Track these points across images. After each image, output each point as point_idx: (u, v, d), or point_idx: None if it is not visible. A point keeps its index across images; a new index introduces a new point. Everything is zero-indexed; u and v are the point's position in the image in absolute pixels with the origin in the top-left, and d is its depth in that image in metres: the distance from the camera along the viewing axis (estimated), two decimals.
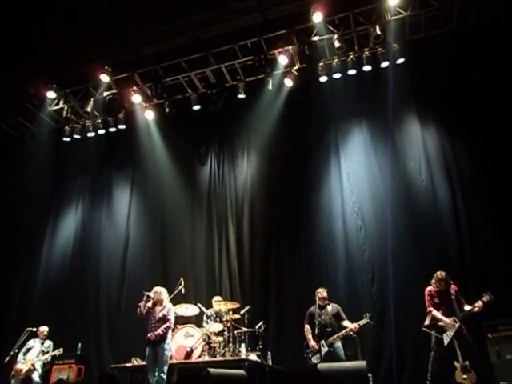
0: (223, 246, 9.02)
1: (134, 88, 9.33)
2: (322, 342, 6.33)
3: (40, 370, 7.52)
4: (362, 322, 6.26)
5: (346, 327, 6.38)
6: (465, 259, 7.19)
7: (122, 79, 9.28)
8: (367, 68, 8.27)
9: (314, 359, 6.33)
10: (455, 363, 5.60)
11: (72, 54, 8.76)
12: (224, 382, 4.95)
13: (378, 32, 7.78)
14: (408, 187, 7.97)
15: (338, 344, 6.34)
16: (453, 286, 6.02)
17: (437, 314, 5.92)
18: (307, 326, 6.61)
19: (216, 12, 8.35)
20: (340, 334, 6.32)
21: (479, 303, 5.67)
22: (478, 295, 6.08)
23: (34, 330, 7.69)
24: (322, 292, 6.71)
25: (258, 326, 7.13)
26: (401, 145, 8.34)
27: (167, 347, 6.17)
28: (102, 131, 9.96)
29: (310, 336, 6.48)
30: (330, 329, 6.41)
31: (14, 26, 8.25)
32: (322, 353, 6.26)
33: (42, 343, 7.71)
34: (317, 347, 6.34)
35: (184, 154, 10.09)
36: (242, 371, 5.51)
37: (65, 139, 10.08)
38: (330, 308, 6.63)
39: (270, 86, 8.71)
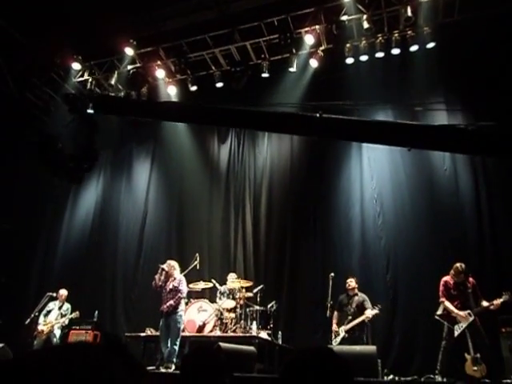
0: (239, 225, 9.08)
1: (158, 62, 9.30)
2: (342, 327, 6.64)
3: (59, 332, 7.85)
4: (372, 312, 6.53)
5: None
6: (484, 251, 7.08)
7: (146, 53, 9.26)
8: (396, 51, 8.03)
9: (334, 342, 6.57)
10: (466, 355, 5.59)
11: (98, 26, 8.74)
12: (234, 356, 5.05)
13: (410, 14, 7.52)
14: (430, 175, 7.82)
15: (356, 329, 6.60)
16: (471, 279, 5.95)
17: (449, 305, 5.88)
18: (335, 313, 6.83)
19: None
20: (354, 322, 6.58)
21: (497, 301, 5.60)
22: (494, 288, 6.02)
23: (54, 295, 7.97)
24: (349, 283, 6.92)
25: (270, 306, 7.21)
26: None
27: (180, 319, 6.32)
28: None
29: (334, 321, 6.76)
30: (350, 317, 6.67)
31: None
32: (340, 337, 6.58)
33: (61, 306, 8.00)
34: (336, 331, 6.67)
35: (205, 131, 10.09)
36: (252, 347, 5.61)
37: (88, 111, 10.15)
38: (356, 298, 6.84)
39: (294, 66, 8.57)
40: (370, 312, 6.52)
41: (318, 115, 3.65)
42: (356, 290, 6.88)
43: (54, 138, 3.84)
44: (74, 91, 9.31)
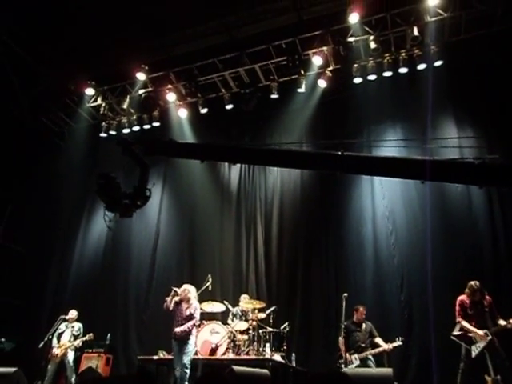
0: (251, 245, 9.06)
1: (169, 86, 9.51)
2: (355, 355, 6.55)
3: (73, 354, 7.83)
4: (395, 344, 6.45)
5: (378, 344, 6.60)
6: (500, 269, 6.95)
7: (157, 77, 9.50)
8: (403, 70, 8.11)
9: (351, 369, 6.38)
10: (486, 377, 5.43)
11: (110, 52, 9.03)
12: (247, 380, 4.98)
13: (416, 33, 7.62)
14: (442, 192, 7.76)
15: (370, 357, 6.56)
16: (487, 297, 5.83)
17: (466, 324, 5.75)
18: (341, 339, 6.67)
19: (251, 12, 8.40)
20: (373, 351, 6.55)
21: None
22: (511, 306, 5.88)
23: (67, 317, 7.98)
24: (362, 311, 6.89)
25: (283, 327, 7.14)
26: (436, 149, 8.11)
27: (192, 343, 6.29)
28: (136, 128, 10.20)
29: (343, 348, 6.62)
30: (363, 344, 6.66)
31: (56, 24, 8.57)
32: (354, 365, 6.45)
33: (72, 326, 7.99)
34: (350, 359, 6.54)
35: None
36: (265, 371, 5.52)
37: (101, 135, 10.38)
38: (364, 326, 6.84)
39: (303, 87, 8.68)
40: (393, 344, 6.46)
41: (339, 153, 3.81)
42: (363, 319, 6.91)
43: (113, 179, 4.35)
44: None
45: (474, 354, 5.57)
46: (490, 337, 5.55)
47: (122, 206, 4.36)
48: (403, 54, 8.10)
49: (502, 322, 5.60)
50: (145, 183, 4.45)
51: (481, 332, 5.60)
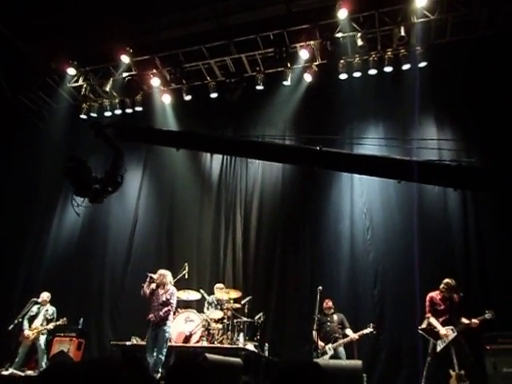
0: (229, 235, 9.08)
1: (154, 71, 9.36)
2: (329, 345, 6.79)
3: (45, 337, 7.70)
4: (365, 331, 6.69)
5: (348, 336, 6.82)
6: (470, 268, 7.17)
7: (142, 61, 9.32)
8: (388, 69, 8.19)
9: (322, 360, 6.54)
10: (451, 371, 5.63)
11: (95, 32, 8.80)
12: (220, 368, 5.04)
13: (403, 33, 7.70)
14: (419, 191, 7.90)
15: (341, 349, 6.81)
16: (456, 294, 6.02)
17: (434, 321, 5.94)
18: (315, 331, 6.79)
19: (241, 0, 8.32)
20: (343, 341, 6.78)
21: (475, 320, 5.72)
22: (480, 305, 6.10)
23: (39, 300, 7.85)
24: (327, 302, 7.13)
25: (257, 317, 7.22)
26: (416, 149, 8.25)
27: (168, 329, 6.30)
28: (118, 111, 10.02)
29: (317, 339, 6.78)
30: (336, 335, 6.92)
31: (41, 1, 8.30)
32: (328, 355, 6.68)
33: (46, 310, 7.85)
34: (324, 349, 6.77)
35: None
36: (238, 359, 5.60)
37: (82, 116, 10.16)
38: (335, 317, 7.09)
39: (288, 80, 8.68)
40: (358, 333, 6.71)
41: (318, 148, 3.82)
42: (332, 310, 7.12)
43: (84, 162, 4.16)
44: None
45: (438, 349, 5.77)
46: (455, 333, 5.75)
47: (91, 191, 4.16)
48: (389, 53, 8.18)
49: (464, 321, 5.82)
50: (117, 169, 4.29)
51: (445, 331, 5.80)
